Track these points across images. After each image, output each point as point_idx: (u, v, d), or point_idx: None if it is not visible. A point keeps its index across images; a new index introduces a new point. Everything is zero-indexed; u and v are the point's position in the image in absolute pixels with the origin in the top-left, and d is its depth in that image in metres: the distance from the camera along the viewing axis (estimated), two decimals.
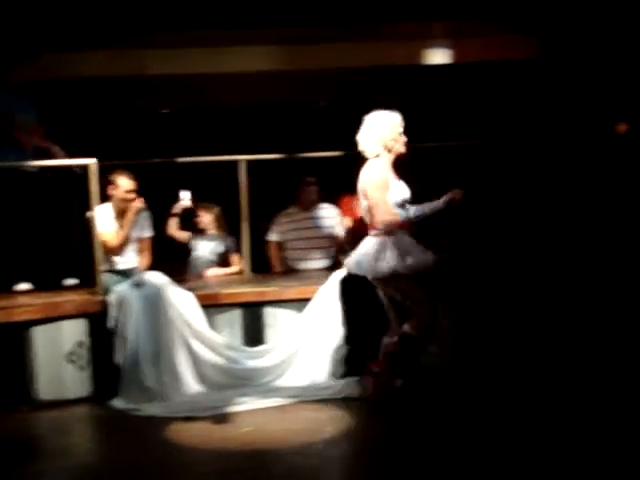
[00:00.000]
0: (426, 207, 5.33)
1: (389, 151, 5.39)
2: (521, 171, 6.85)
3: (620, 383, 5.57)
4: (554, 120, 7.37)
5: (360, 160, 6.46)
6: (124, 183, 6.33)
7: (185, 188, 7.52)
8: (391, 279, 5.28)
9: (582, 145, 6.67)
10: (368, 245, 5.36)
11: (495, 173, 8.03)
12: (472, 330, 6.18)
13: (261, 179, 8.06)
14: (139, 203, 6.36)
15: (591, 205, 6.94)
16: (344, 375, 6.06)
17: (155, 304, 5.90)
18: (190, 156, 7.37)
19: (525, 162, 5.99)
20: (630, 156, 6.87)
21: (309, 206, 7.33)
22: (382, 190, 5.29)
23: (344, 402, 5.68)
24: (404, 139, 5.40)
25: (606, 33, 7.00)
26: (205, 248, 7.37)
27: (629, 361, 5.85)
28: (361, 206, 5.47)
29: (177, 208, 7.45)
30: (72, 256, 6.71)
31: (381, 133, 5.36)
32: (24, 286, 6.49)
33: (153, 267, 6.45)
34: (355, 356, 6.08)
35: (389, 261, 5.22)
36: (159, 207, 7.06)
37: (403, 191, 5.35)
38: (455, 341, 6.15)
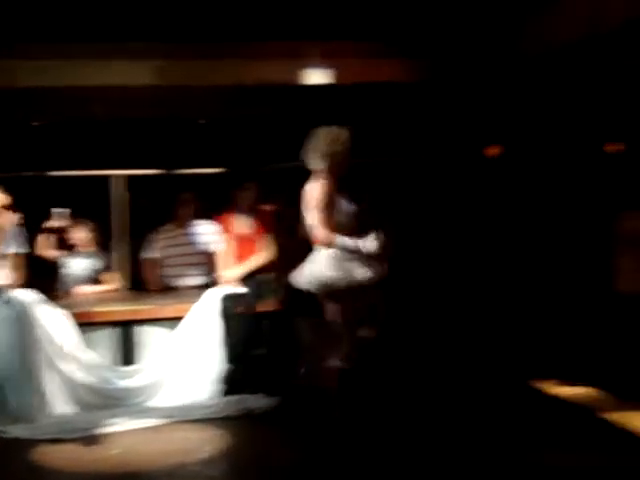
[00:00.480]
0: (352, 242, 5.24)
1: (335, 168, 5.27)
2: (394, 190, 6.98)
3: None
4: (432, 143, 7.53)
5: (242, 177, 6.47)
6: None
7: (59, 203, 7.31)
8: (334, 293, 5.22)
9: (450, 167, 6.86)
10: (314, 259, 5.29)
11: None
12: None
13: (140, 195, 7.93)
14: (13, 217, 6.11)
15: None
16: (224, 394, 5.99)
17: (22, 323, 5.67)
18: (65, 170, 7.19)
19: (397, 182, 6.12)
20: (499, 179, 7.09)
21: (186, 222, 7.24)
22: (325, 208, 5.21)
23: (223, 421, 5.60)
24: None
25: (490, 57, 7.21)
26: (78, 265, 7.14)
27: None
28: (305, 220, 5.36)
29: (48, 225, 7.19)
30: None
31: (330, 148, 5.26)
32: None
33: (26, 284, 6.22)
34: (235, 374, 6.03)
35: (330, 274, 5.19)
36: (32, 223, 6.83)
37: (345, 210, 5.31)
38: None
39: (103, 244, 7.48)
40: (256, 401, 5.90)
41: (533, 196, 7.00)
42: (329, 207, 5.19)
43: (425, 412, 5.60)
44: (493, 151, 7.36)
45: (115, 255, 7.37)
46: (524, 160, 7.08)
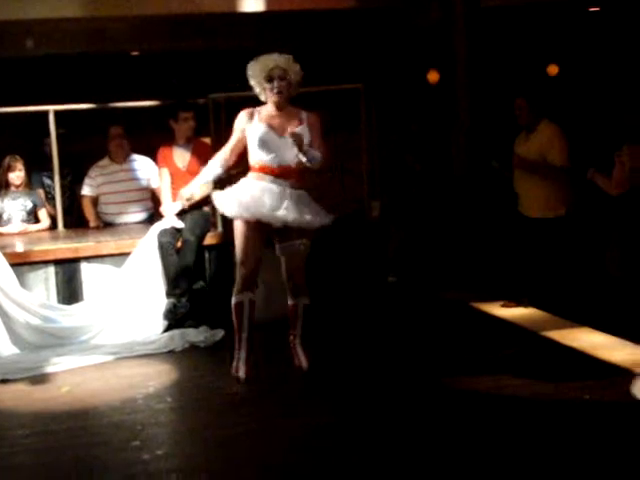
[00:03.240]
0: None
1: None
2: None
3: None
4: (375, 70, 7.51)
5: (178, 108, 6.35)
6: None
7: None
8: None
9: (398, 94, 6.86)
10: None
11: None
12: None
13: (73, 131, 7.79)
14: None
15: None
16: (167, 329, 6.01)
17: None
18: None
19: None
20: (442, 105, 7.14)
21: (121, 158, 7.14)
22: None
23: (168, 356, 5.64)
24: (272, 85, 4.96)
25: None
26: (12, 205, 6.99)
27: None
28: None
29: None
30: None
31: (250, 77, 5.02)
32: None
33: None
34: (177, 309, 6.04)
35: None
36: None
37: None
38: None
39: (36, 182, 7.36)
40: (200, 334, 5.94)
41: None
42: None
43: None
44: (433, 77, 7.39)
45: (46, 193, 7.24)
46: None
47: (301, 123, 4.96)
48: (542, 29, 8.06)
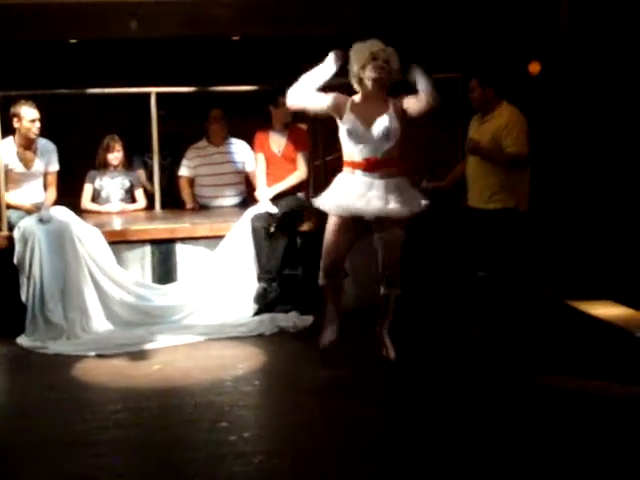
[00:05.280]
0: None
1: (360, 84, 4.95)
2: None
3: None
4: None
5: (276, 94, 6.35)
6: (27, 112, 6.07)
7: (94, 120, 7.27)
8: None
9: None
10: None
11: None
12: None
13: (172, 113, 7.90)
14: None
15: None
16: (257, 312, 6.05)
17: (61, 240, 5.75)
18: (100, 88, 7.16)
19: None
20: (543, 96, 6.96)
21: (219, 141, 7.21)
22: None
23: (257, 339, 5.68)
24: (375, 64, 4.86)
25: None
26: (111, 184, 7.14)
27: None
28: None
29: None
30: None
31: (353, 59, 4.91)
32: None
33: (59, 202, 6.27)
34: (269, 293, 6.08)
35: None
36: (66, 140, 6.84)
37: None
38: None
39: (137, 162, 7.50)
40: (289, 320, 5.97)
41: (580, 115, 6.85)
42: None
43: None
44: (535, 68, 7.21)
45: (149, 173, 7.36)
46: None
47: (387, 110, 4.85)
48: None
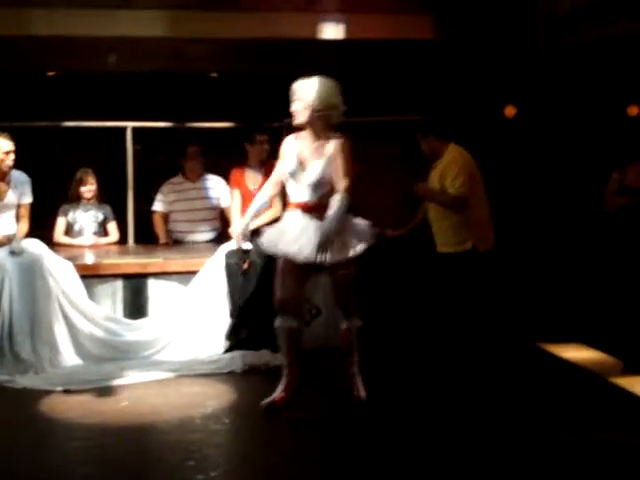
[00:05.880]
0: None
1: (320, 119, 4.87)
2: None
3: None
4: (447, 102, 7.46)
5: (253, 131, 6.38)
6: (2, 144, 6.03)
7: (69, 153, 7.27)
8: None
9: (471, 128, 6.76)
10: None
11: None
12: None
13: (149, 148, 7.91)
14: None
15: None
16: (228, 350, 6.01)
17: (32, 273, 5.69)
18: (77, 121, 7.17)
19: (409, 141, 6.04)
20: (517, 138, 7.04)
21: (195, 177, 7.22)
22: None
23: (228, 377, 5.64)
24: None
25: (503, 16, 7.12)
26: (84, 217, 7.11)
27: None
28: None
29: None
30: None
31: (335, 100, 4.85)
32: None
33: (31, 234, 6.22)
34: (240, 330, 6.04)
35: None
36: (40, 173, 6.81)
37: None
38: None
39: (110, 196, 7.47)
40: (261, 357, 5.93)
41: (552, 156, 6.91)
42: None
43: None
44: (510, 111, 7.29)
45: (125, 207, 7.35)
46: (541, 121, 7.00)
47: (323, 154, 4.79)
48: (627, 66, 7.89)
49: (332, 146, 4.80)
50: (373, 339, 5.85)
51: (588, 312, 6.42)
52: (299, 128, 4.93)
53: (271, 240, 4.88)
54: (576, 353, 6.13)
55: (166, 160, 7.59)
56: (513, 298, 6.52)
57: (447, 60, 7.69)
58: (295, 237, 4.77)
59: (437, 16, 7.58)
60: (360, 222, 4.93)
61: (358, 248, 4.83)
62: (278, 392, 4.89)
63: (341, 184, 4.76)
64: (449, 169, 5.63)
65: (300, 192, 4.86)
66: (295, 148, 4.90)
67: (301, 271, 4.85)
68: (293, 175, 4.87)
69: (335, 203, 4.72)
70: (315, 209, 4.81)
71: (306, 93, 4.79)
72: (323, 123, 4.83)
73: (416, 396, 5.21)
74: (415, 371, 5.71)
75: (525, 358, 6.05)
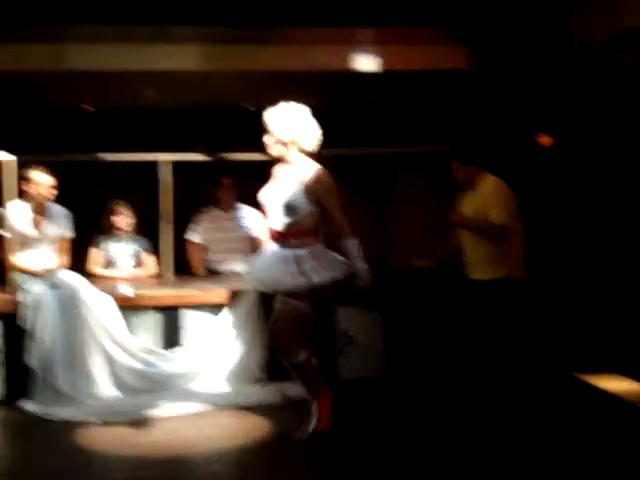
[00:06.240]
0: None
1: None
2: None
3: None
4: (481, 131, 7.47)
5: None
6: (41, 178, 6.14)
7: (106, 186, 7.35)
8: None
9: (505, 157, 6.75)
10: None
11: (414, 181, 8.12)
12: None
13: (185, 180, 7.99)
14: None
15: None
16: (264, 382, 6.01)
17: (71, 306, 5.75)
18: (113, 153, 7.27)
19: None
20: (554, 169, 7.00)
21: (228, 207, 7.28)
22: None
23: (263, 409, 5.63)
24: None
25: (536, 46, 7.12)
26: (119, 248, 7.18)
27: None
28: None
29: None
30: None
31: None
32: None
33: (70, 267, 6.30)
34: (276, 363, 6.04)
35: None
36: (79, 206, 6.91)
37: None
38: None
39: (146, 228, 7.54)
40: (295, 389, 5.91)
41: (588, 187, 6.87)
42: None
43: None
44: (545, 140, 7.25)
45: (160, 239, 7.41)
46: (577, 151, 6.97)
47: (296, 183, 4.74)
48: None
49: (307, 174, 4.74)
50: (406, 367, 5.88)
51: (626, 341, 6.34)
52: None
53: (249, 273, 4.88)
54: (614, 384, 6.06)
55: (200, 191, 7.63)
56: (549, 327, 6.47)
57: (481, 90, 7.71)
58: (265, 266, 4.80)
59: (471, 47, 7.61)
60: (333, 258, 4.80)
61: (303, 280, 4.70)
62: (311, 424, 4.86)
63: (344, 228, 4.71)
64: (490, 200, 5.65)
65: (272, 220, 4.84)
66: (276, 176, 4.89)
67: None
68: (265, 201, 4.85)
69: (351, 250, 4.67)
70: (283, 238, 4.77)
71: (272, 125, 4.77)
72: (294, 152, 4.80)
73: (450, 426, 5.18)
74: (448, 401, 5.68)
75: (562, 389, 6.00)
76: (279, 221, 4.78)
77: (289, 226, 4.75)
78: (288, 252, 4.73)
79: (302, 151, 4.81)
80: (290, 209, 4.72)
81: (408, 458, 4.68)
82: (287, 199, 4.73)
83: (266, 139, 4.80)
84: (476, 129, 7.22)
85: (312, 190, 4.70)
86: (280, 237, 4.79)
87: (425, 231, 7.49)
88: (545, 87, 7.17)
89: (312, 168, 4.77)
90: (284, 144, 4.77)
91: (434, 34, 7.51)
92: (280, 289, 4.77)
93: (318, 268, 4.71)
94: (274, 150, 4.81)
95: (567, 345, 6.55)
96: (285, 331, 4.83)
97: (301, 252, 4.72)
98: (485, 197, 5.69)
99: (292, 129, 4.76)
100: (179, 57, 7.72)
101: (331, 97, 7.89)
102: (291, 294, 4.75)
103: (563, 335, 6.58)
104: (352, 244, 4.70)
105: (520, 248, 5.77)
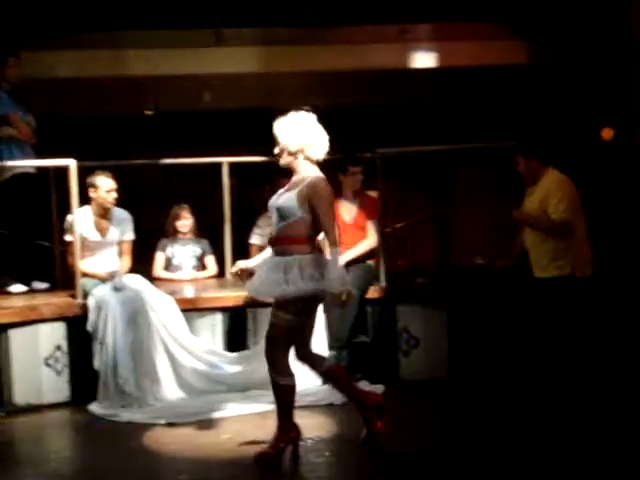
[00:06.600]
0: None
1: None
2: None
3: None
4: (543, 126, 7.37)
5: (347, 162, 6.40)
6: (103, 183, 6.22)
7: (169, 189, 7.43)
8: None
9: (568, 151, 6.64)
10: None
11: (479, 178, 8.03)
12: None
13: (245, 182, 8.03)
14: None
15: None
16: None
17: (135, 308, 5.82)
18: (174, 158, 7.34)
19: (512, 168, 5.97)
20: (616, 161, 6.88)
21: None
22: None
23: (327, 409, 5.63)
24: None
25: (598, 39, 7.01)
26: (182, 252, 7.25)
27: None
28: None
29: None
30: (47, 258, 6.66)
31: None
32: (18, 287, 6.45)
33: (133, 270, 6.37)
34: (339, 362, 6.02)
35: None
36: (140, 209, 6.99)
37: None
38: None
39: (208, 230, 7.59)
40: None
41: None
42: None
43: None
44: (608, 134, 7.12)
45: (223, 241, 7.46)
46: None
47: (294, 189, 4.64)
48: None
49: (305, 182, 4.63)
50: (470, 368, 5.80)
51: None
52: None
53: (249, 283, 4.80)
54: None
55: (261, 193, 7.66)
56: (615, 324, 6.34)
57: (542, 84, 7.60)
58: (257, 276, 4.72)
59: (531, 41, 7.51)
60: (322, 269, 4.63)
61: (284, 290, 4.56)
62: (372, 424, 4.81)
63: (330, 236, 4.62)
64: (552, 194, 5.58)
65: (271, 226, 4.80)
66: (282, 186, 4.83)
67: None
68: (269, 209, 4.78)
69: (331, 259, 4.56)
70: (276, 243, 4.69)
71: (280, 135, 4.70)
72: (303, 163, 4.71)
73: (518, 429, 5.09)
74: (514, 403, 5.59)
75: (630, 388, 5.86)
76: (276, 225, 4.71)
77: (279, 230, 4.67)
78: (279, 259, 4.64)
79: (310, 160, 4.75)
80: (281, 213, 4.65)
81: (473, 462, 4.61)
82: (279, 203, 4.67)
83: (276, 149, 4.75)
84: (538, 123, 7.11)
85: (305, 195, 4.61)
86: (273, 242, 4.72)
87: (486, 228, 7.40)
88: (608, 80, 7.04)
89: (313, 176, 4.68)
90: (292, 153, 4.70)
91: (493, 29, 7.43)
92: (270, 297, 4.70)
93: (304, 277, 4.56)
94: (283, 159, 4.74)
95: (635, 343, 6.41)
96: (274, 346, 4.75)
97: (289, 259, 4.60)
98: (547, 191, 5.62)
99: (300, 139, 4.69)
100: (237, 60, 7.76)
101: (390, 95, 7.85)
102: (279, 305, 4.66)
103: (630, 333, 6.44)
104: (334, 254, 4.59)
105: (585, 244, 5.66)
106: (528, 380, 5.76)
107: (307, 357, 4.87)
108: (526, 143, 5.83)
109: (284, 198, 4.66)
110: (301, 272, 4.55)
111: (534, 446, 4.77)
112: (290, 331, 4.69)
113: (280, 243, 4.65)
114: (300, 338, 4.80)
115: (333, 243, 4.60)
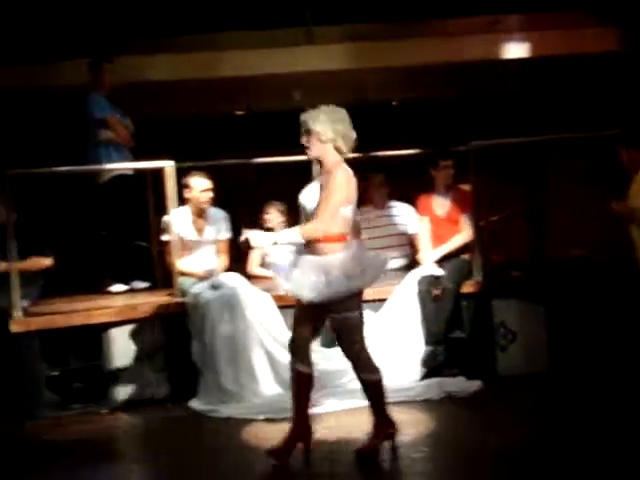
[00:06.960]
0: None
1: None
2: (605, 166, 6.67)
3: None
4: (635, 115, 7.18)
5: (439, 156, 6.34)
6: (199, 183, 6.34)
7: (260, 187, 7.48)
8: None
9: None
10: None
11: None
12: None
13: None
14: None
15: None
16: (424, 377, 5.98)
17: (232, 306, 5.90)
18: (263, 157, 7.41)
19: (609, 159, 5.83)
20: None
21: (381, 204, 7.27)
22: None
23: (425, 404, 5.60)
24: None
25: None
26: (276, 249, 7.30)
27: None
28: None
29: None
30: (146, 258, 6.82)
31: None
32: (118, 287, 6.63)
33: (229, 268, 6.47)
34: (435, 357, 6.01)
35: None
36: (234, 207, 7.09)
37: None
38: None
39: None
40: (456, 384, 5.86)
41: None
42: None
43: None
44: None
45: None
46: None
47: (323, 185, 4.53)
48: None
49: (332, 178, 4.53)
50: (571, 363, 5.69)
51: None
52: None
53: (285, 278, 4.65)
54: None
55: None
56: None
57: (635, 72, 7.41)
58: (294, 274, 4.59)
59: (622, 27, 7.32)
60: (371, 258, 4.60)
61: (342, 287, 4.45)
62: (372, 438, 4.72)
63: (315, 222, 4.48)
64: None
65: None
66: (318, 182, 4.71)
67: (307, 310, 4.67)
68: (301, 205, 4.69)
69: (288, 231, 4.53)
70: (309, 243, 4.56)
71: (312, 125, 4.59)
72: (332, 154, 4.60)
73: (620, 424, 4.97)
74: (616, 399, 5.45)
75: None
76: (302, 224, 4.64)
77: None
78: (313, 259, 4.52)
79: (339, 151, 4.65)
80: (305, 210, 4.61)
81: (572, 461, 4.52)
82: (306, 203, 4.61)
83: (304, 140, 4.67)
84: (635, 112, 6.92)
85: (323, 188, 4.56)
86: (309, 242, 4.56)
87: (582, 220, 7.25)
88: None
89: (339, 169, 4.59)
90: (323, 142, 4.60)
91: (582, 17, 7.27)
92: (314, 300, 4.53)
93: (339, 277, 4.46)
94: (312, 150, 4.64)
95: None
96: (349, 344, 4.68)
97: (327, 260, 4.49)
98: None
99: (333, 127, 4.60)
100: (326, 57, 7.79)
101: (480, 87, 7.76)
102: (333, 306, 4.53)
103: None
104: (294, 232, 4.53)
105: None
106: (631, 377, 5.62)
107: (301, 349, 4.76)
108: (625, 133, 5.70)
109: (311, 196, 4.61)
110: (335, 273, 4.45)
111: (637, 445, 4.66)
112: (357, 326, 4.66)
113: (312, 242, 4.54)
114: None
115: (307, 228, 4.50)
